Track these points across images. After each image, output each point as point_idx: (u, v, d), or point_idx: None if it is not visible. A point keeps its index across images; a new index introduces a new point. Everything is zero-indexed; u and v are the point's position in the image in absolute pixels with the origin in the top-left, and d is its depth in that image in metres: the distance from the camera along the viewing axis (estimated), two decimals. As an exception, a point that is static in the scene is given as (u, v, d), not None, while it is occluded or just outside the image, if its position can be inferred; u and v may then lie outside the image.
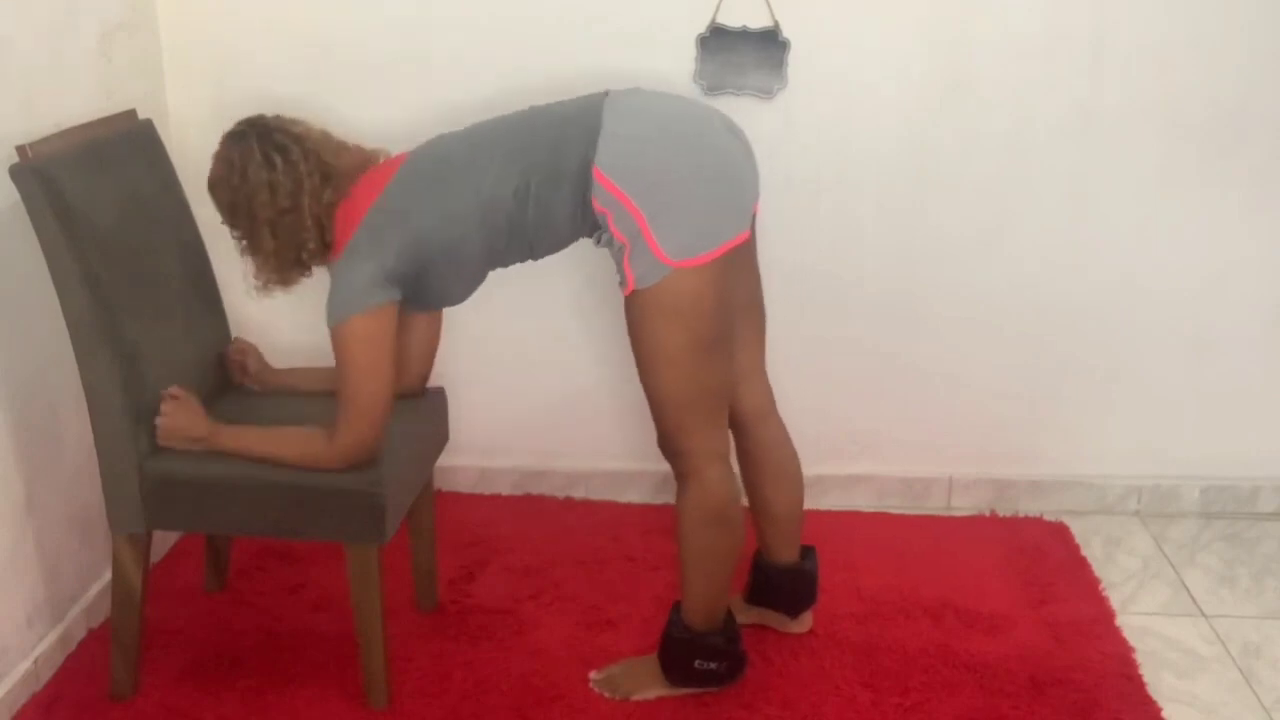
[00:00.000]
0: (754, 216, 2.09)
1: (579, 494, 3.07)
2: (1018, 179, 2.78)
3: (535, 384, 2.99)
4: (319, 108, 2.68)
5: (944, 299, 2.88)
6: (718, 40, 2.68)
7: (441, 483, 2.96)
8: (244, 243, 2.09)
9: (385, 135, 2.24)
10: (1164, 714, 2.23)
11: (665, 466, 2.13)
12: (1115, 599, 2.61)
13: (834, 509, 2.98)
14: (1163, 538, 2.92)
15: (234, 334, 2.46)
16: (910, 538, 2.87)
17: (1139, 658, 2.40)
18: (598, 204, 1.95)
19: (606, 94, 2.04)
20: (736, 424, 2.25)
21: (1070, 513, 3.00)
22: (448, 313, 2.28)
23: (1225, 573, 2.76)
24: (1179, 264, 2.84)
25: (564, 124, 2.01)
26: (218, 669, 2.33)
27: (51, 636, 2.33)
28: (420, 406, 2.32)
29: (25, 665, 2.24)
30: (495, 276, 2.16)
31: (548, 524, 2.93)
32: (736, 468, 2.25)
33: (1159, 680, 2.34)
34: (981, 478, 3.03)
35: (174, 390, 2.14)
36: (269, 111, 2.13)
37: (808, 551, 2.42)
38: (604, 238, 2.00)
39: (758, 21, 2.67)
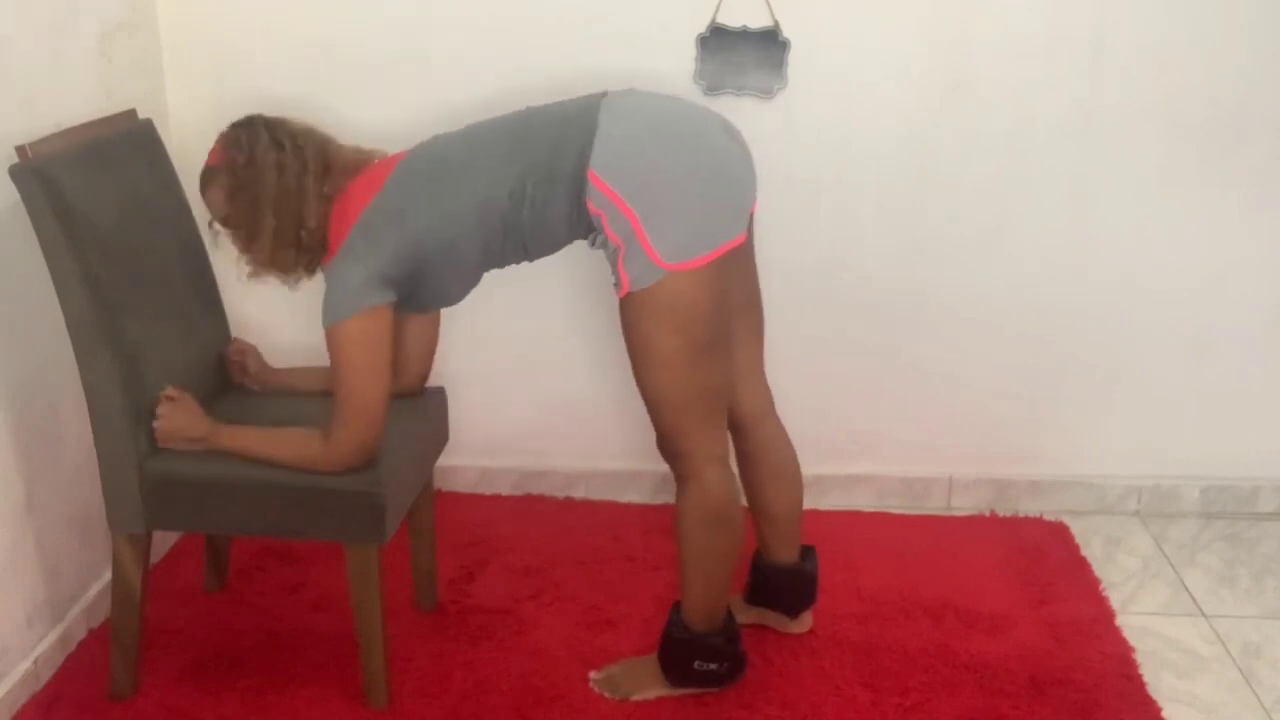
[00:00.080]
0: (751, 218, 2.09)
1: (579, 494, 3.07)
2: (1018, 179, 2.78)
3: (535, 384, 2.99)
4: (319, 108, 2.68)
5: (944, 299, 2.88)
6: (718, 40, 2.68)
7: (441, 483, 2.96)
8: (237, 230, 2.08)
9: (385, 135, 2.24)
10: (1164, 714, 2.23)
11: (665, 466, 2.13)
12: (1115, 599, 2.61)
13: (834, 509, 2.98)
14: (1163, 538, 2.92)
15: (234, 334, 2.46)
16: (910, 538, 2.87)
17: (1139, 658, 2.40)
18: (592, 206, 1.95)
19: (604, 95, 2.04)
20: (735, 425, 2.25)
21: (1070, 513, 3.00)
22: (447, 313, 2.28)
23: (1225, 573, 2.76)
24: (1179, 264, 2.84)
25: (561, 125, 2.01)
26: (218, 669, 2.33)
27: (51, 636, 2.33)
28: (420, 406, 2.32)
29: (25, 665, 2.24)
30: (496, 277, 2.16)
31: (548, 524, 2.93)
32: (736, 468, 2.25)
33: (1159, 680, 2.34)
34: (981, 478, 3.03)
35: (171, 391, 2.14)
36: (268, 112, 2.13)
37: (807, 552, 2.42)
38: (599, 239, 2.00)
39: (758, 21, 2.67)
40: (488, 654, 2.39)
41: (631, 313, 1.99)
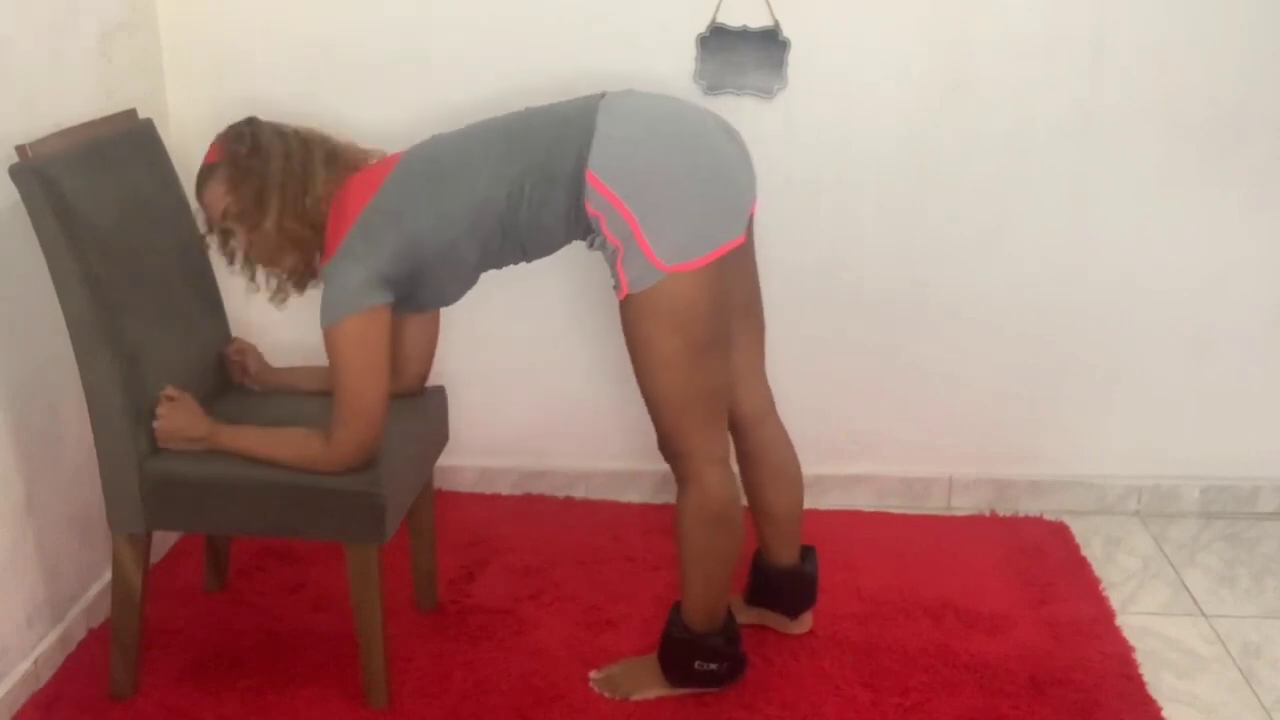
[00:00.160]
0: (751, 219, 2.08)
1: (579, 494, 3.07)
2: (1018, 179, 2.78)
3: (535, 384, 2.99)
4: (319, 108, 2.68)
5: (944, 299, 2.88)
6: (718, 40, 2.68)
7: (441, 483, 2.96)
8: (240, 221, 2.06)
9: (385, 135, 2.24)
10: (1164, 714, 2.23)
11: (665, 466, 2.13)
12: (1115, 599, 2.61)
13: (834, 509, 2.98)
14: (1163, 538, 2.92)
15: (234, 334, 2.46)
16: (910, 538, 2.87)
17: (1139, 658, 2.40)
18: (591, 207, 1.95)
19: (603, 96, 2.04)
20: (735, 426, 2.24)
21: (1070, 513, 3.00)
22: (447, 313, 2.28)
23: (1225, 573, 2.76)
24: (1179, 264, 2.84)
25: (559, 125, 2.00)
26: (218, 669, 2.33)
27: (51, 636, 2.33)
28: (420, 406, 2.32)
29: (25, 665, 2.24)
30: (496, 277, 2.16)
31: (548, 524, 2.93)
32: (736, 469, 2.25)
33: (1159, 680, 2.34)
34: (981, 478, 3.03)
35: (170, 391, 2.14)
36: (267, 114, 2.14)
37: (808, 553, 2.42)
38: (597, 241, 2.00)
39: (758, 21, 2.67)
40: (488, 654, 2.39)
41: (631, 314, 1.98)
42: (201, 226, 2.18)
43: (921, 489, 3.04)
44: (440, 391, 2.42)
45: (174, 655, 2.37)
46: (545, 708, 2.23)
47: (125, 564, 2.17)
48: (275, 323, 2.25)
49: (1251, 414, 2.95)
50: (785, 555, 2.38)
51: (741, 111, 2.64)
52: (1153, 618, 2.56)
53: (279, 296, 2.15)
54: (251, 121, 2.09)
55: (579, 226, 2.01)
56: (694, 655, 2.21)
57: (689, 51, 2.70)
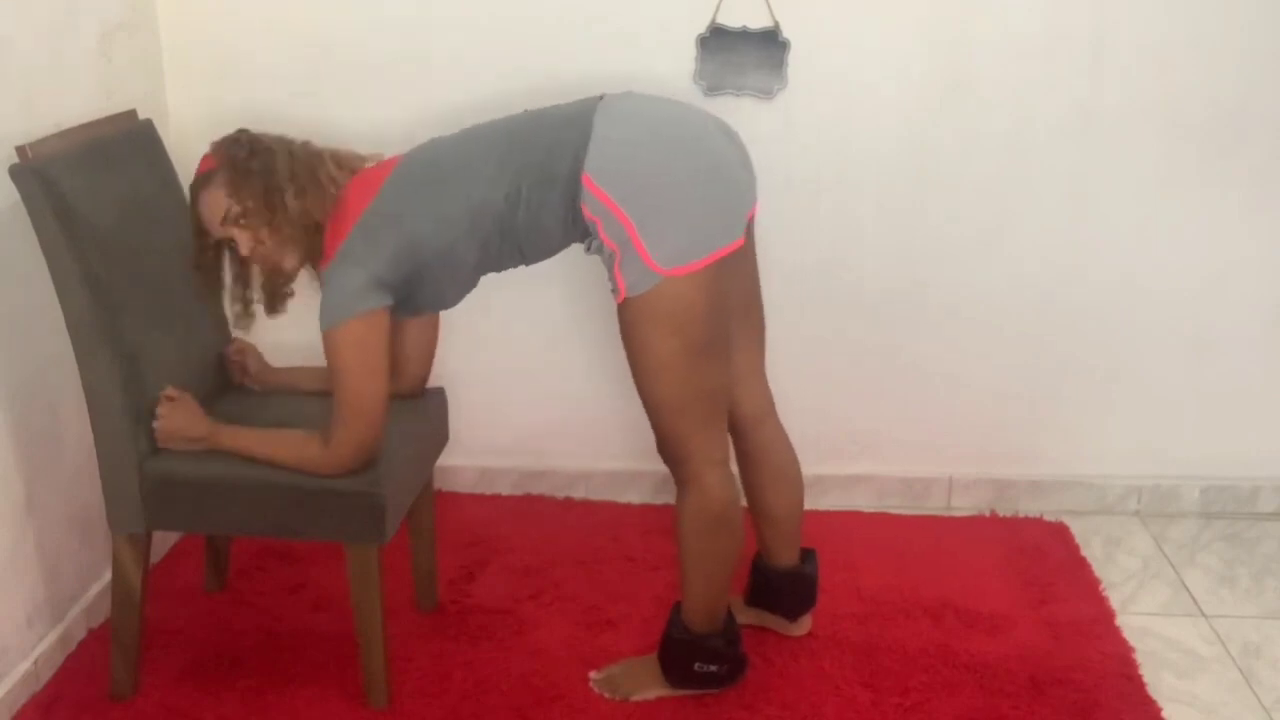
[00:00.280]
0: (751, 221, 2.08)
1: (579, 494, 3.07)
2: (1018, 179, 2.78)
3: (535, 384, 2.99)
4: (319, 108, 2.69)
5: (944, 299, 2.88)
6: (718, 40, 2.68)
7: (441, 483, 2.96)
8: (248, 219, 2.01)
9: (385, 136, 2.24)
10: (1164, 714, 2.23)
11: (665, 466, 2.13)
12: (1115, 599, 2.61)
13: (834, 509, 2.98)
14: (1163, 538, 2.92)
15: (233, 334, 2.46)
16: (910, 538, 2.87)
17: (1139, 658, 2.40)
18: (587, 211, 1.94)
19: (601, 98, 2.04)
20: (735, 427, 2.24)
21: (1070, 513, 3.00)
22: (447, 314, 2.27)
23: (1225, 573, 2.76)
24: (1179, 264, 2.84)
25: (557, 128, 2.00)
26: (218, 669, 2.33)
27: (51, 636, 2.33)
28: (420, 406, 2.32)
29: (25, 665, 2.24)
30: (495, 278, 2.16)
31: (548, 524, 2.93)
32: (735, 470, 2.25)
33: (1159, 680, 2.34)
34: (981, 478, 3.03)
35: (170, 391, 2.14)
36: (267, 115, 2.13)
37: (808, 554, 2.42)
38: (594, 244, 1.99)
39: (758, 21, 2.67)
40: (488, 654, 2.39)
41: (629, 318, 1.98)
42: (188, 259, 2.13)
43: (921, 489, 3.04)
44: (440, 392, 2.42)
45: (174, 655, 2.37)
46: (545, 708, 2.23)
47: (125, 564, 2.17)
48: (275, 323, 2.24)
49: (1251, 414, 2.96)
50: (785, 557, 2.38)
51: (741, 112, 2.65)
52: (1153, 618, 2.56)
53: (276, 301, 2.13)
54: (244, 130, 2.08)
55: (576, 229, 2.01)
56: (694, 656, 2.20)
57: (689, 52, 2.70)
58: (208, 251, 2.11)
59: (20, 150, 2.03)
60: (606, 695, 2.26)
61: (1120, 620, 2.53)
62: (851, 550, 2.76)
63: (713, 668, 2.21)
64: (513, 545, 2.81)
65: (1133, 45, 2.68)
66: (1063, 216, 2.81)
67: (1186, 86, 2.70)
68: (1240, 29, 2.66)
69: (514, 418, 3.02)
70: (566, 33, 2.70)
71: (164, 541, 2.73)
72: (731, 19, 2.67)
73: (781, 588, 2.41)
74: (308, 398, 2.32)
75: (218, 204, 2.03)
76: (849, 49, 2.70)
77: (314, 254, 2.06)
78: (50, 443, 2.33)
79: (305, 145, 2.08)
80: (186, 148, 2.55)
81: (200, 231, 2.09)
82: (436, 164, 2.05)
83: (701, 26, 2.68)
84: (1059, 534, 2.89)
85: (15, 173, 2.01)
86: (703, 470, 2.06)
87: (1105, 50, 2.68)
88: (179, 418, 2.12)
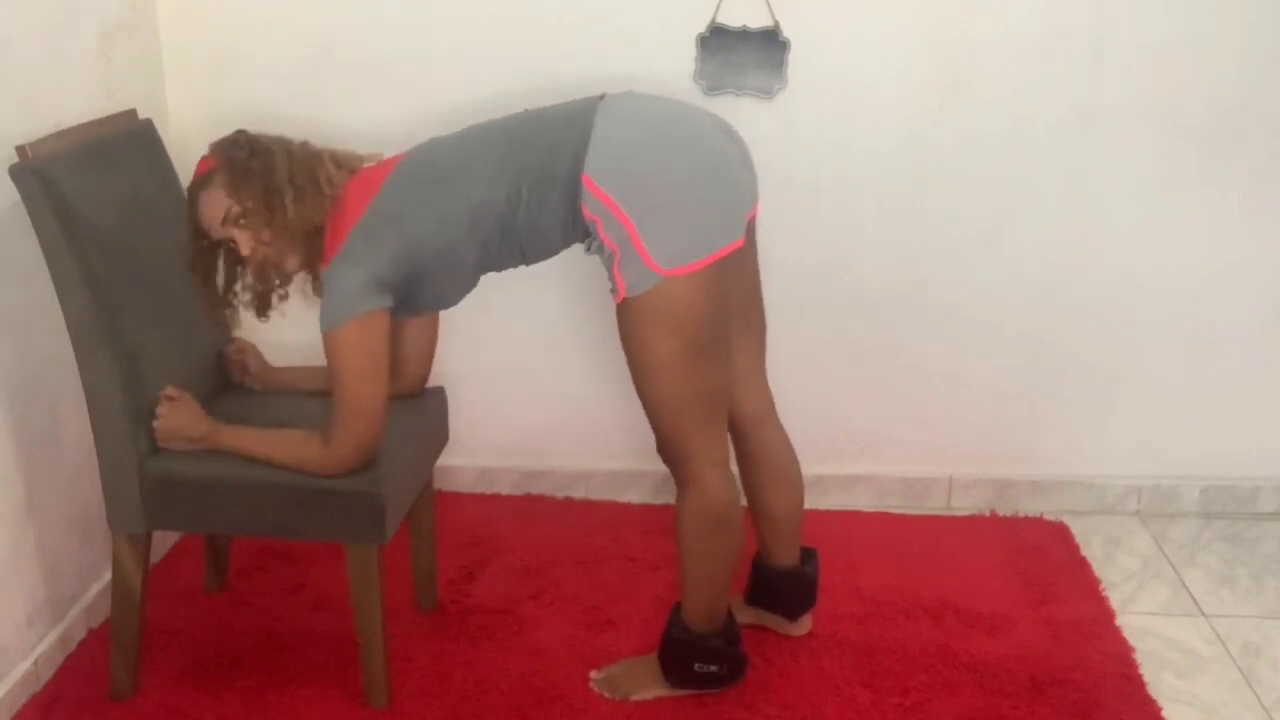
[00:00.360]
0: (752, 222, 2.08)
1: (579, 494, 3.07)
2: (1018, 179, 2.78)
3: (535, 384, 2.99)
4: (319, 108, 2.69)
5: (944, 299, 2.88)
6: (718, 40, 2.68)
7: (441, 483, 2.96)
8: (249, 218, 2.00)
9: (385, 135, 2.24)
10: (1164, 714, 2.23)
11: (665, 466, 2.13)
12: (1115, 599, 2.61)
13: (834, 509, 2.98)
14: (1163, 538, 2.92)
15: (233, 333, 2.46)
16: (910, 538, 2.87)
17: (1139, 658, 2.40)
18: (588, 211, 1.94)
19: (601, 98, 2.04)
20: (735, 427, 2.24)
21: (1070, 513, 3.00)
22: (448, 314, 2.27)
23: (1225, 573, 2.76)
24: (1179, 264, 2.84)
25: (557, 127, 2.00)
26: (218, 669, 2.33)
27: (51, 636, 2.33)
28: (420, 406, 2.32)
29: (25, 665, 2.24)
30: (495, 278, 2.16)
31: (548, 524, 2.93)
32: (735, 470, 2.25)
33: (1159, 680, 2.34)
34: (981, 478, 3.03)
35: (170, 391, 2.13)
36: (267, 115, 2.13)
37: (808, 554, 2.42)
38: (594, 245, 1.99)
39: (758, 21, 2.67)
40: (488, 654, 2.39)
41: (628, 318, 1.98)
42: (184, 260, 2.12)
43: (921, 489, 3.04)
44: (440, 392, 2.42)
45: (174, 655, 2.37)
46: (545, 708, 2.23)
47: (125, 564, 2.17)
48: (275, 323, 2.24)
49: (1251, 414, 2.95)
50: (785, 557, 2.38)
51: (741, 111, 2.64)
52: (1153, 618, 2.56)
53: (266, 305, 2.11)
54: (243, 131, 2.08)
55: (577, 229, 2.01)
56: (694, 657, 2.20)
57: (689, 51, 2.70)
58: (203, 253, 2.11)
59: (20, 150, 2.03)
60: (606, 695, 2.26)
61: (1120, 620, 2.53)
62: (851, 550, 2.76)
63: (713, 668, 2.21)
64: (513, 545, 2.81)
65: (1133, 45, 2.68)
66: (1063, 216, 2.81)
67: (1186, 86, 2.70)
68: (1240, 29, 2.66)
69: (514, 418, 3.02)
70: (566, 33, 2.70)
71: (164, 541, 2.73)
72: (731, 19, 2.67)
73: (781, 587, 2.41)
74: (308, 398, 2.32)
75: (218, 204, 2.03)
76: (849, 49, 2.70)
77: (314, 254, 2.05)
78: (50, 443, 2.33)
79: (304, 145, 2.07)
80: (186, 148, 2.56)
81: (197, 233, 2.09)
82: (436, 164, 2.04)
83: (701, 26, 2.68)
84: (1059, 534, 2.89)
85: (15, 173, 2.01)
86: (703, 470, 2.06)
87: (1105, 50, 2.68)
88: (179, 417, 2.12)
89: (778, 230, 2.66)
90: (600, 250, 1.98)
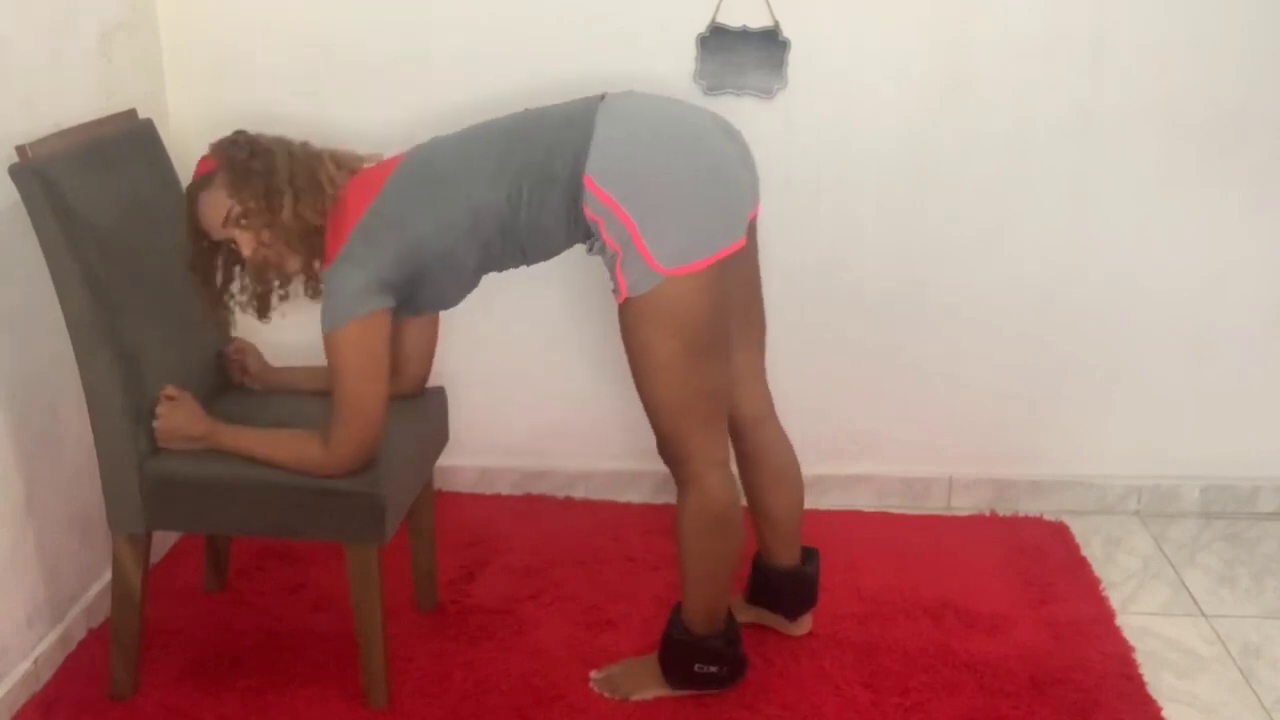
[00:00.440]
0: (753, 222, 2.08)
1: (579, 494, 3.07)
2: (1018, 179, 2.78)
3: (536, 384, 2.99)
4: (319, 108, 2.69)
5: (944, 299, 2.88)
6: (718, 40, 2.68)
7: (441, 483, 2.96)
8: (251, 218, 2.00)
9: (386, 135, 2.24)
10: (1164, 714, 2.23)
11: (665, 466, 2.13)
12: (1115, 599, 2.61)
13: (834, 509, 2.98)
14: (1163, 538, 2.92)
15: (233, 333, 2.45)
16: (910, 538, 2.87)
17: (1139, 658, 2.40)
18: (589, 212, 1.94)
19: (602, 97, 2.04)
20: (735, 428, 2.24)
21: (1070, 513, 3.00)
22: (448, 314, 2.27)
23: (1225, 573, 2.76)
24: (1179, 264, 2.84)
25: (558, 127, 2.00)
26: (218, 669, 2.33)
27: (51, 636, 2.33)
28: (420, 406, 2.32)
29: (25, 665, 2.24)
30: (496, 278, 2.16)
31: (548, 524, 2.93)
32: (735, 470, 2.25)
33: (1159, 680, 2.34)
34: (981, 478, 3.03)
35: (170, 390, 2.13)
36: (267, 115, 2.13)
37: (809, 554, 2.41)
38: (596, 245, 1.99)
39: (758, 21, 2.67)
40: (488, 654, 2.39)
41: (630, 318, 1.98)
42: (184, 260, 2.12)
43: (921, 489, 3.04)
44: (440, 392, 2.42)
45: (174, 655, 2.37)
46: (545, 708, 2.23)
47: (125, 564, 2.17)
48: (275, 323, 2.25)
49: (1251, 414, 2.96)
50: (785, 557, 2.38)
51: (741, 111, 2.64)
52: (1153, 618, 2.56)
53: (266, 306, 2.11)
54: (242, 132, 2.08)
55: (578, 230, 2.01)
56: (694, 657, 2.20)
57: (689, 51, 2.70)
58: (203, 254, 2.11)
59: (20, 150, 2.03)
60: (606, 695, 2.26)
61: (1120, 620, 2.53)
62: (851, 550, 2.76)
63: (713, 669, 2.21)
64: (513, 545, 2.80)
65: (1133, 45, 2.68)
66: (1063, 216, 2.81)
67: (1186, 86, 2.70)
68: (1240, 29, 2.66)
69: (514, 418, 3.01)
70: (566, 33, 2.70)
71: (164, 541, 2.73)
72: (731, 19, 2.67)
73: (782, 587, 2.41)
74: (308, 398, 2.32)
75: (219, 205, 2.03)
76: (849, 49, 2.70)
77: (315, 255, 2.05)
78: (50, 443, 2.33)
79: (304, 146, 2.07)
80: (186, 148, 2.56)
81: (197, 234, 2.08)
82: (438, 164, 2.04)
83: (701, 26, 2.68)
84: (1059, 534, 2.89)
85: (15, 173, 2.01)
86: (703, 471, 2.06)
87: (1105, 50, 2.68)
88: (179, 417, 2.12)
89: (778, 230, 2.66)
90: (602, 251, 1.98)
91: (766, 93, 2.72)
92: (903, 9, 2.67)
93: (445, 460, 2.52)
